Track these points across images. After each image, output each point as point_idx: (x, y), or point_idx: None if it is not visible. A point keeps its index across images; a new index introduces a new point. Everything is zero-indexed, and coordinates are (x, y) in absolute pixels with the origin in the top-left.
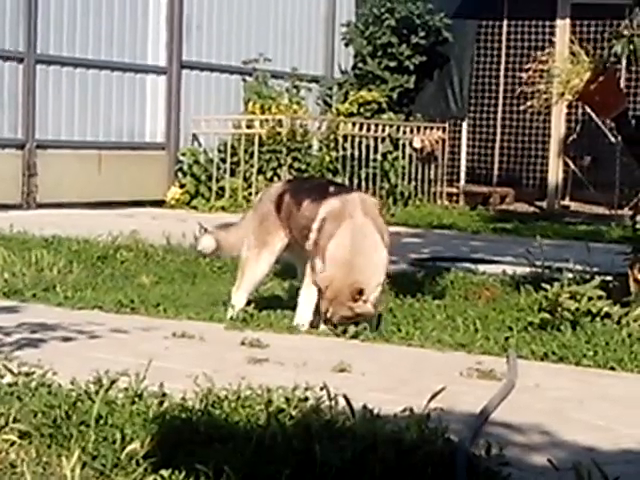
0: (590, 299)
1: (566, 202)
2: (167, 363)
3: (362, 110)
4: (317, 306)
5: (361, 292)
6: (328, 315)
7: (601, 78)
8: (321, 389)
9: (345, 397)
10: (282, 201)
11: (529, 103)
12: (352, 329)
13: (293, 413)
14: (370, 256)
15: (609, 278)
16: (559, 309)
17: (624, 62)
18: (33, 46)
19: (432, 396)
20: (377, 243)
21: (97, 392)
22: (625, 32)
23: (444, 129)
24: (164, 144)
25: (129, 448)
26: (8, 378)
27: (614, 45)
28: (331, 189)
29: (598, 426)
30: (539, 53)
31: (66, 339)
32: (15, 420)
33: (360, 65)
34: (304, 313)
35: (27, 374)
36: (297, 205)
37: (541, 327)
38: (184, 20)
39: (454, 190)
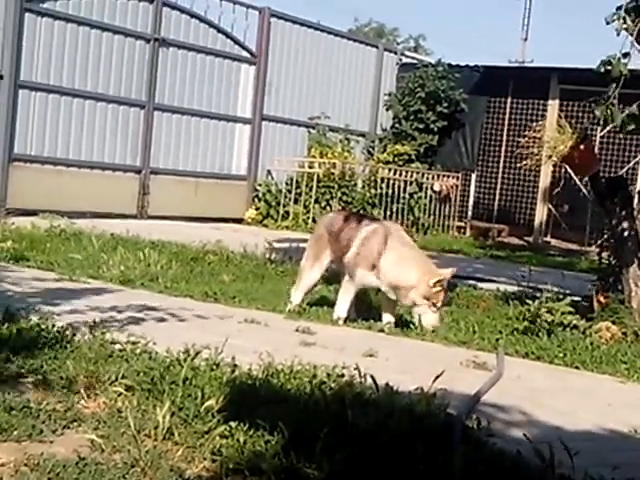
0: (563, 314)
1: (548, 238)
2: (239, 342)
3: (396, 159)
4: (352, 303)
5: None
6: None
7: (582, 146)
8: (354, 369)
9: (372, 377)
10: (331, 227)
11: (524, 162)
12: (379, 324)
13: (332, 385)
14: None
15: (578, 298)
16: (538, 320)
17: (599, 129)
18: (152, 97)
19: (435, 378)
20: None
21: (185, 360)
22: (602, 101)
23: (458, 177)
24: (245, 176)
25: (207, 404)
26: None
27: (595, 110)
28: (365, 220)
29: (564, 411)
30: (534, 124)
31: (162, 320)
32: (123, 377)
33: (397, 125)
34: (340, 309)
35: (133, 343)
36: (341, 230)
37: (524, 333)
38: (267, 84)
39: (462, 224)
